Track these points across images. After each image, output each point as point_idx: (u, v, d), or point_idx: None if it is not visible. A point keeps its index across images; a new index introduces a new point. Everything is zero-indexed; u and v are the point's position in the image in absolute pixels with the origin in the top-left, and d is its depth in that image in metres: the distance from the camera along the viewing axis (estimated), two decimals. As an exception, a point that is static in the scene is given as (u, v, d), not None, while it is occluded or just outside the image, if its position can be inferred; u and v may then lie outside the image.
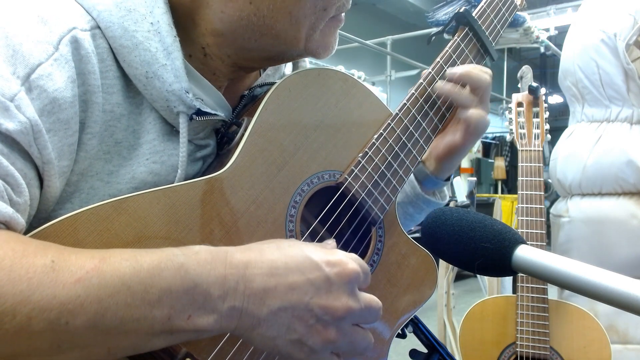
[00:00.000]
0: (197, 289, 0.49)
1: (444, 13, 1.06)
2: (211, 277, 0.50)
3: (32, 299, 0.43)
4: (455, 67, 0.81)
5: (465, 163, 9.02)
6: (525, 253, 0.56)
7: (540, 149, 1.68)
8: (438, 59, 0.83)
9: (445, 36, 0.94)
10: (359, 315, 0.57)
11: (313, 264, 0.55)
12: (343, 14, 0.71)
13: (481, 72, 0.80)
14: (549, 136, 1.72)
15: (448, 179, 0.89)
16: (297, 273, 0.54)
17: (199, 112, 0.64)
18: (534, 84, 1.75)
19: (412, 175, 0.86)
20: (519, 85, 1.91)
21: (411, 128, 0.77)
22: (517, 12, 0.99)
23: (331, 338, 0.55)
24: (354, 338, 0.57)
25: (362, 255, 0.73)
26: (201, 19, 0.65)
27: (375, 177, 0.73)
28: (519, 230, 1.62)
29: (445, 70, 0.82)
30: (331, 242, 0.64)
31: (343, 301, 0.55)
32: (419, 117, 0.78)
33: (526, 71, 1.90)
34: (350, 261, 0.57)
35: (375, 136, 0.74)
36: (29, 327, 0.43)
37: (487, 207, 5.61)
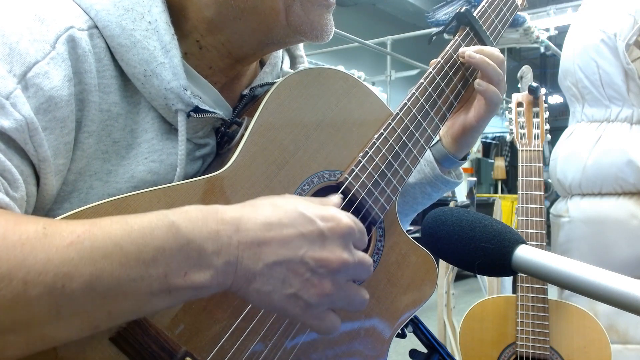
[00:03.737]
0: (191, 245, 0.49)
1: (444, 13, 1.06)
2: (203, 232, 0.50)
3: (27, 264, 0.43)
4: (469, 47, 0.83)
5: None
6: (525, 253, 0.56)
7: (540, 149, 1.68)
8: (439, 59, 0.83)
9: (446, 36, 0.94)
10: (354, 269, 0.57)
11: (307, 219, 0.55)
12: None
13: (493, 49, 0.83)
14: (549, 136, 1.72)
15: (464, 158, 0.92)
16: (291, 227, 0.54)
17: (197, 110, 0.64)
18: (534, 84, 1.75)
19: (430, 155, 0.89)
20: (519, 85, 1.91)
21: (412, 128, 0.77)
22: (518, 12, 0.99)
23: (327, 291, 0.55)
24: (349, 293, 0.57)
25: (362, 255, 0.73)
26: (191, 11, 0.66)
27: (376, 176, 0.73)
28: (519, 230, 1.62)
29: (446, 69, 0.83)
30: (336, 197, 0.63)
31: (337, 254, 0.55)
32: (419, 117, 0.78)
33: (526, 71, 1.90)
34: (344, 217, 0.57)
35: (376, 136, 0.74)
36: (26, 292, 0.43)
37: (487, 207, 5.62)
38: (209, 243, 0.50)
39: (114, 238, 0.47)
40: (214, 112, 0.66)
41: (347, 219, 0.57)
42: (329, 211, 0.57)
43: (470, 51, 0.82)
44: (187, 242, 0.49)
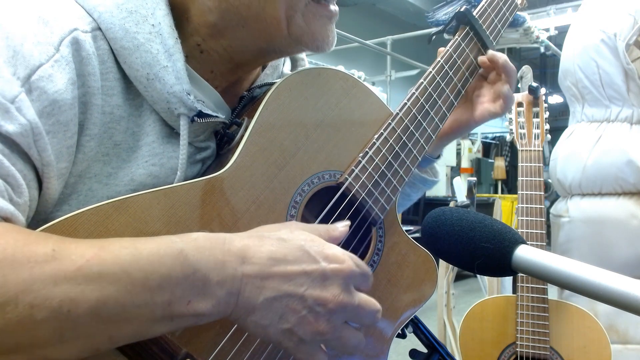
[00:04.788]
0: (197, 275, 0.50)
1: (444, 13, 1.06)
2: (210, 262, 0.50)
3: (34, 288, 0.43)
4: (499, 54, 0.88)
5: (465, 163, 9.02)
6: (525, 253, 0.56)
7: (540, 149, 1.68)
8: (439, 59, 0.84)
9: (446, 36, 0.94)
10: (352, 312, 0.58)
11: (310, 258, 0.55)
12: (333, 7, 0.70)
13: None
14: (549, 136, 1.72)
15: (439, 157, 0.96)
16: (295, 265, 0.54)
17: (200, 114, 0.64)
18: (534, 84, 1.75)
19: None
20: (519, 85, 1.91)
21: (412, 128, 0.77)
22: (517, 12, 0.99)
23: (321, 330, 0.55)
24: (343, 334, 0.58)
25: (363, 256, 0.73)
26: (193, 14, 0.66)
27: (376, 177, 0.73)
28: (519, 230, 1.62)
29: (446, 68, 0.83)
30: (343, 225, 0.64)
31: (336, 294, 0.56)
32: (419, 117, 0.78)
33: (526, 71, 1.90)
34: (348, 259, 0.58)
35: (376, 136, 0.74)
36: (32, 316, 0.43)
37: (487, 207, 5.60)
38: (214, 273, 0.50)
39: (123, 264, 0.47)
40: (216, 117, 0.66)
41: (350, 261, 0.58)
42: (333, 251, 0.57)
43: (504, 59, 0.86)
44: (194, 272, 0.49)
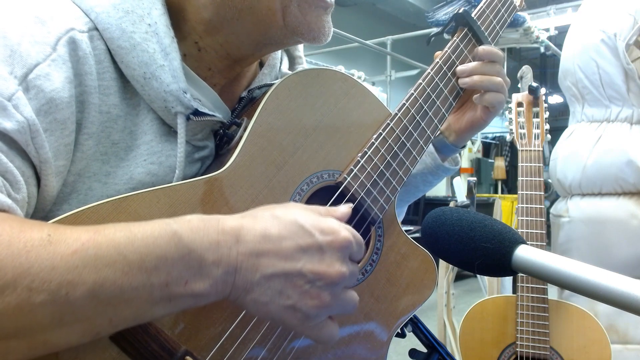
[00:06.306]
0: (192, 255, 0.50)
1: (444, 13, 1.06)
2: (204, 242, 0.51)
3: (32, 271, 0.44)
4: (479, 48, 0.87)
5: (465, 163, 9.02)
6: (525, 253, 0.56)
7: (540, 149, 1.68)
8: (437, 60, 0.84)
9: (445, 36, 0.94)
10: (349, 280, 0.58)
11: (305, 232, 0.55)
12: None
13: (492, 48, 0.88)
14: (549, 136, 1.72)
15: (464, 147, 0.99)
16: (289, 240, 0.54)
17: (197, 113, 0.64)
18: (534, 84, 1.75)
19: (431, 146, 0.93)
20: (519, 85, 1.91)
21: (410, 128, 0.78)
22: (517, 12, 0.99)
23: (324, 302, 0.55)
24: (344, 301, 0.58)
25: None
26: (189, 12, 0.66)
27: (375, 176, 0.73)
28: (519, 230, 1.62)
29: (444, 69, 0.83)
30: (345, 207, 0.64)
31: (336, 267, 0.56)
32: (418, 117, 0.79)
33: (526, 71, 1.90)
34: (343, 230, 0.57)
35: (375, 136, 0.74)
36: (30, 299, 0.43)
37: (487, 207, 5.60)
38: (209, 253, 0.51)
39: (118, 246, 0.47)
40: (213, 115, 0.66)
41: (346, 232, 0.58)
42: (328, 223, 0.57)
43: (465, 78, 0.85)
44: (189, 252, 0.50)
